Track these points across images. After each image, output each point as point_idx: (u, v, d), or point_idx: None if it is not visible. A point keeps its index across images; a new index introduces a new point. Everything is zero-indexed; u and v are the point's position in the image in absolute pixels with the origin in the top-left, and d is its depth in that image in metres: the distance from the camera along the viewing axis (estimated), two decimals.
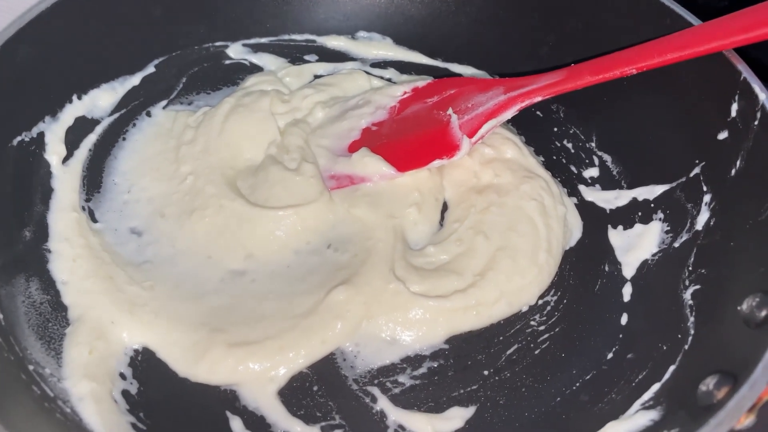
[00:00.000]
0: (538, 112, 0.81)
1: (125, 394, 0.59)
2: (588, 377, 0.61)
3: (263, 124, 0.76)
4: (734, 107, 0.64)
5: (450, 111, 0.72)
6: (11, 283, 0.61)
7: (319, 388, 0.61)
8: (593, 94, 0.78)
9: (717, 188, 0.65)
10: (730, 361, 0.51)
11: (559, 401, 0.60)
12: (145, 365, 0.61)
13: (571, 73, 0.68)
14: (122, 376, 0.60)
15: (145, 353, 0.61)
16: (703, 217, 0.65)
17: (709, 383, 0.50)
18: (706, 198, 0.66)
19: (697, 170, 0.68)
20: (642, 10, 0.74)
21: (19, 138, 0.67)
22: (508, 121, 0.77)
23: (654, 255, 0.68)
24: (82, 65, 0.74)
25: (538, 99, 0.68)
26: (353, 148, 0.74)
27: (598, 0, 0.77)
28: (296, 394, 0.60)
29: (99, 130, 0.75)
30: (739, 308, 0.55)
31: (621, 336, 0.63)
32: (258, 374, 0.60)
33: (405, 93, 0.77)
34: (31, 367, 0.56)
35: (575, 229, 0.71)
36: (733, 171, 0.63)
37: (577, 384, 0.61)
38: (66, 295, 0.63)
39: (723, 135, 0.65)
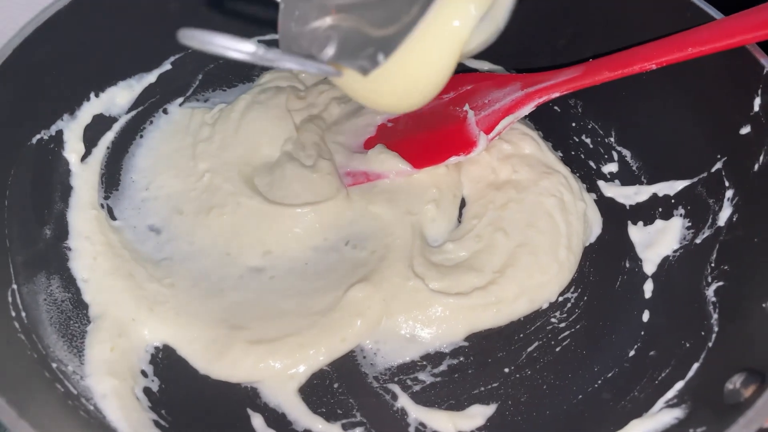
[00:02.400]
0: (555, 107, 0.81)
1: (147, 391, 0.59)
2: (610, 375, 0.61)
3: (280, 121, 0.76)
4: (757, 101, 0.63)
5: (466, 107, 0.72)
6: (33, 281, 0.61)
7: (340, 385, 0.61)
8: (612, 89, 0.77)
9: (739, 184, 0.64)
10: (756, 359, 0.50)
11: (581, 399, 0.59)
12: (167, 362, 0.61)
13: (589, 68, 0.67)
14: (144, 373, 0.60)
15: (165, 350, 0.62)
16: (725, 213, 0.64)
17: (735, 381, 0.50)
18: (729, 193, 0.65)
19: (718, 165, 0.67)
20: (662, 2, 0.73)
21: (38, 136, 0.67)
22: (527, 117, 0.76)
23: (675, 251, 0.67)
24: (100, 63, 0.74)
25: (556, 95, 0.67)
26: (369, 144, 0.74)
27: None
28: (317, 392, 0.60)
29: (116, 127, 0.75)
30: (764, 305, 0.54)
31: (643, 333, 0.63)
32: (278, 372, 0.60)
33: None
34: (54, 365, 0.56)
35: (595, 225, 0.70)
36: (756, 166, 0.62)
37: (599, 382, 0.60)
38: (87, 292, 0.63)
39: (745, 130, 0.64)
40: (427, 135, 0.72)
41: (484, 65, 0.85)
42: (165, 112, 0.78)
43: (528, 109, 0.69)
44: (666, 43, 0.62)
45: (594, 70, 0.66)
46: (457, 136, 0.70)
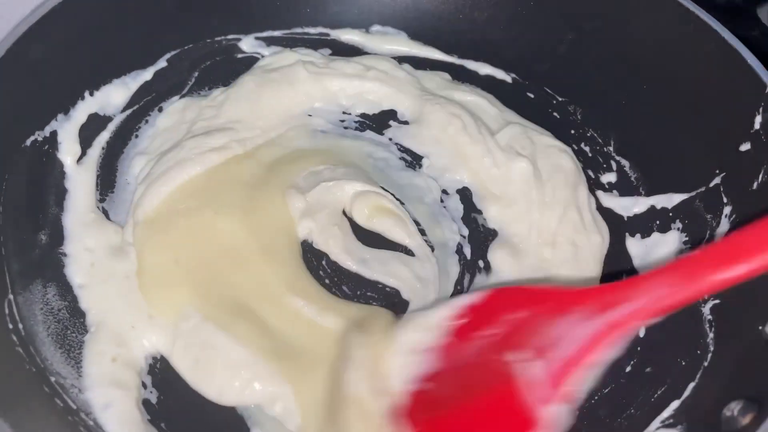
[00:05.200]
0: (555, 114, 0.81)
1: (146, 403, 0.58)
2: (606, 391, 0.61)
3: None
4: (758, 119, 0.63)
5: (512, 356, 0.48)
6: (29, 290, 0.60)
7: None
8: (612, 97, 0.78)
9: (738, 200, 0.65)
10: (754, 386, 0.51)
11: (577, 415, 0.60)
12: (164, 374, 0.60)
13: (686, 271, 0.44)
14: (143, 385, 0.59)
15: (163, 361, 0.61)
16: (722, 230, 0.65)
17: (733, 408, 0.51)
18: (726, 210, 0.65)
19: (717, 180, 0.67)
20: (662, 10, 0.73)
21: (32, 138, 0.66)
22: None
23: None
24: (94, 60, 0.72)
25: (645, 322, 0.50)
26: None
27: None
28: None
29: (111, 127, 0.74)
30: (760, 328, 0.55)
31: (639, 349, 0.64)
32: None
33: (460, 316, 0.53)
34: (52, 379, 0.56)
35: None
36: (755, 184, 0.63)
37: (596, 398, 0.61)
38: (84, 299, 0.62)
39: (745, 147, 0.65)
40: (470, 407, 0.49)
41: (485, 68, 0.84)
42: (160, 110, 0.77)
43: (609, 348, 0.45)
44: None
45: (694, 273, 0.43)
46: (508, 405, 0.46)
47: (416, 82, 0.79)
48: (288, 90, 0.77)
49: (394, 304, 0.65)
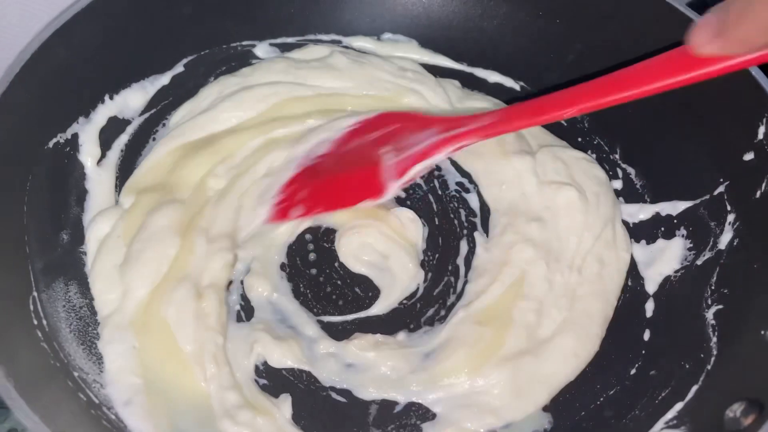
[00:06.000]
0: (562, 121, 0.82)
1: None
2: (612, 392, 0.63)
3: None
4: (761, 129, 0.65)
5: (384, 149, 0.69)
6: (52, 287, 0.62)
7: None
8: (618, 105, 0.79)
9: (741, 208, 0.66)
10: (755, 389, 0.53)
11: (583, 415, 0.62)
12: None
13: (506, 114, 0.65)
14: None
15: None
16: (726, 237, 0.67)
17: (736, 410, 0.52)
18: (730, 218, 0.67)
19: (721, 189, 0.69)
20: (668, 20, 0.74)
21: (54, 139, 0.68)
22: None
23: (676, 271, 0.69)
24: (115, 65, 0.74)
25: (471, 142, 0.64)
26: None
27: (627, 10, 0.78)
28: None
29: (130, 130, 0.76)
30: (763, 332, 0.57)
31: (644, 352, 0.65)
32: None
33: (354, 124, 0.74)
34: (76, 374, 0.57)
35: None
36: (759, 193, 0.65)
37: (601, 399, 0.63)
38: None
39: (749, 156, 0.66)
40: (345, 176, 0.70)
41: (494, 75, 0.86)
42: None
43: (442, 155, 0.65)
44: (584, 89, 0.60)
45: (511, 117, 0.64)
46: (370, 179, 0.67)
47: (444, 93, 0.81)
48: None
49: None
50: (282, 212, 0.69)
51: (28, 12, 0.72)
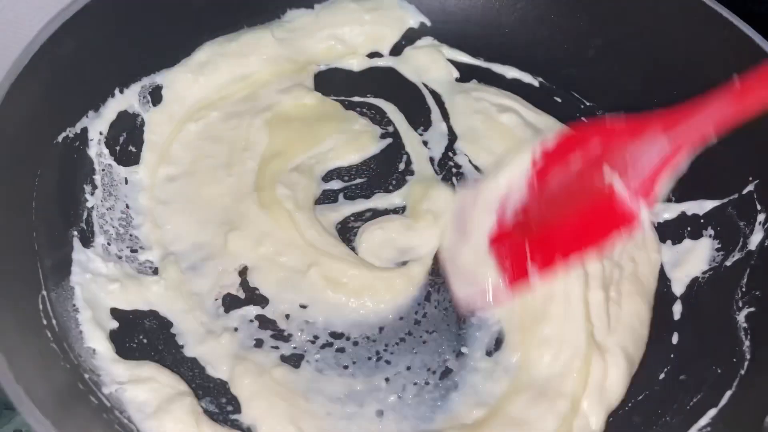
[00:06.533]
0: (582, 118, 0.80)
1: None
2: (640, 398, 0.61)
3: None
4: None
5: (606, 172, 0.58)
6: (61, 286, 0.60)
7: None
8: (641, 102, 0.77)
9: None
10: None
11: (611, 421, 0.59)
12: None
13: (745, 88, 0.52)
14: None
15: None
16: (756, 237, 0.64)
17: None
18: (761, 217, 0.65)
19: (750, 188, 0.67)
20: (695, 15, 0.72)
21: (63, 134, 0.66)
22: None
23: (704, 273, 0.67)
24: (124, 58, 0.72)
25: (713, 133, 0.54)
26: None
27: (649, 3, 0.76)
28: None
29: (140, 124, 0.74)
30: None
31: (672, 356, 0.63)
32: None
33: (538, 162, 0.62)
34: (86, 376, 0.55)
35: None
36: None
37: (630, 404, 0.60)
38: None
39: None
40: (571, 219, 0.60)
41: (512, 71, 0.84)
42: None
43: (684, 158, 0.55)
44: None
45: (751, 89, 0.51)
46: (609, 212, 0.58)
47: None
48: None
49: None
50: (519, 273, 0.61)
51: (36, 3, 0.70)
